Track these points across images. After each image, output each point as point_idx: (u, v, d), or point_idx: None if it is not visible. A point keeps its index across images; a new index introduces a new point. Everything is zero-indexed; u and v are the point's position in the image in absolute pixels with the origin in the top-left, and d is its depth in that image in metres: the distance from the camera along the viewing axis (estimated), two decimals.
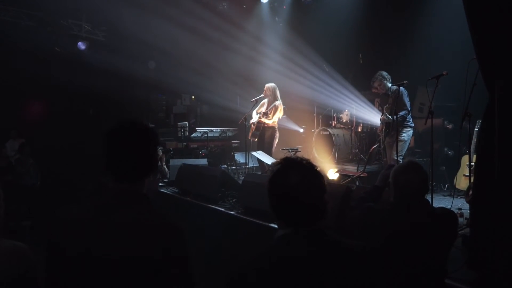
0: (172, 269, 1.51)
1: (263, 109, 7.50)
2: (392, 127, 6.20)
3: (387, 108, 6.40)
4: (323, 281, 1.47)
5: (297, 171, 1.57)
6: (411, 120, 6.33)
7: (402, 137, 6.25)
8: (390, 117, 6.25)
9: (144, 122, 1.77)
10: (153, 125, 11.05)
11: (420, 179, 2.42)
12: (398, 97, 6.18)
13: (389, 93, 6.36)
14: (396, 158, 5.91)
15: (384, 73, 6.39)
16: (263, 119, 7.32)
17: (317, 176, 1.60)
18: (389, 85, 6.37)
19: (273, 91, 7.41)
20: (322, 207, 1.58)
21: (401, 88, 6.22)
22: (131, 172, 1.65)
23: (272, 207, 1.60)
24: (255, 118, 7.54)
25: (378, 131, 6.64)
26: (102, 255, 1.51)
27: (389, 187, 2.52)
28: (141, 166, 1.67)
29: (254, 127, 7.48)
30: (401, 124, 6.20)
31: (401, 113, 6.14)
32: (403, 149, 6.27)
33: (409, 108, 6.31)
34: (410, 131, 6.34)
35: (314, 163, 1.62)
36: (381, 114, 6.53)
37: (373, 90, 6.64)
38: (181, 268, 1.55)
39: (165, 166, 7.13)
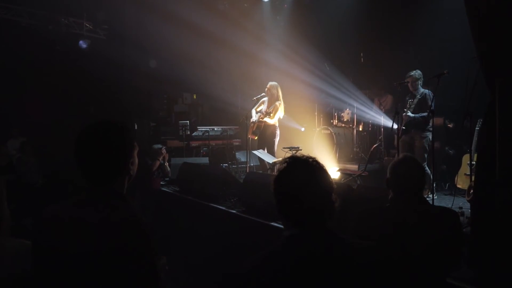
0: (132, 264, 1.52)
1: (263, 108, 7.48)
2: (411, 126, 6.17)
3: (409, 107, 6.35)
4: (332, 282, 1.44)
5: (304, 170, 1.53)
6: (431, 124, 6.17)
7: (426, 138, 6.17)
8: (412, 114, 6.20)
9: (119, 122, 1.75)
10: (154, 124, 11.08)
11: (417, 170, 2.44)
12: (424, 99, 6.16)
13: (416, 93, 6.31)
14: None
15: (420, 73, 6.31)
16: (265, 119, 7.30)
17: (324, 175, 1.55)
18: (420, 86, 6.30)
19: (276, 89, 7.39)
20: (331, 207, 1.53)
21: (429, 91, 6.19)
22: (98, 174, 1.67)
23: (277, 207, 1.55)
24: (254, 116, 7.53)
25: (394, 131, 6.46)
26: (67, 250, 1.56)
27: (387, 184, 2.51)
28: (108, 169, 1.68)
29: (255, 126, 7.46)
30: (420, 126, 6.13)
31: (424, 114, 6.07)
32: (425, 154, 6.16)
33: (433, 113, 6.07)
34: (429, 135, 6.19)
35: (321, 162, 1.58)
36: (403, 111, 6.38)
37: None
38: (140, 263, 1.54)
39: (167, 165, 7.13)
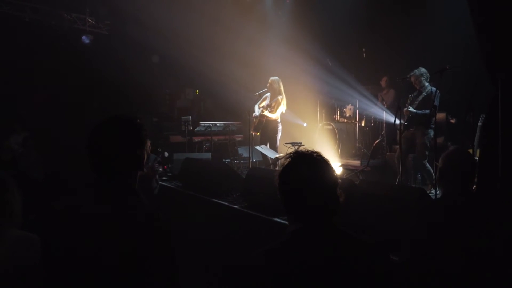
0: (149, 263, 1.51)
1: (265, 103, 7.50)
2: (413, 122, 6.12)
3: (411, 102, 6.30)
4: (336, 276, 1.44)
5: (308, 164, 1.53)
6: (433, 121, 6.09)
7: (428, 134, 6.12)
8: (412, 109, 6.15)
9: (133, 118, 1.75)
10: (156, 119, 11.09)
11: (474, 160, 2.46)
12: (429, 96, 6.07)
13: (423, 90, 6.25)
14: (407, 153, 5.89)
15: (423, 70, 6.22)
16: (267, 114, 7.31)
17: (329, 169, 1.55)
18: (426, 83, 6.21)
19: (277, 84, 7.41)
20: (335, 202, 1.54)
21: (434, 89, 6.09)
22: (113, 170, 1.65)
23: (282, 201, 1.56)
24: (257, 112, 7.54)
25: (397, 128, 6.46)
26: (81, 247, 1.54)
27: (441, 177, 2.47)
28: (124, 165, 1.66)
29: (257, 121, 7.47)
30: (423, 123, 6.07)
31: (426, 111, 6.00)
32: (426, 151, 6.13)
33: (436, 110, 6.02)
34: (431, 132, 6.13)
35: (324, 156, 1.58)
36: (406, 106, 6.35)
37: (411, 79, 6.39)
38: (159, 262, 1.53)
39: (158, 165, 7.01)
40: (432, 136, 6.12)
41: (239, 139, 10.19)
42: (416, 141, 6.17)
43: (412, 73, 6.27)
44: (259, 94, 7.64)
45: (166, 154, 6.95)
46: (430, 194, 5.49)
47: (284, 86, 7.49)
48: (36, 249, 1.88)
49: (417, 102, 6.21)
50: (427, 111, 6.00)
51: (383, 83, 9.17)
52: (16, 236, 1.93)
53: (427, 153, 6.13)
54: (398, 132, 6.28)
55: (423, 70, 6.25)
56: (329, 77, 9.36)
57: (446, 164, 2.43)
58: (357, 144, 8.93)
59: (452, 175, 2.39)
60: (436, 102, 5.99)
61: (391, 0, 8.63)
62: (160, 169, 7.07)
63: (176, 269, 1.57)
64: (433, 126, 6.07)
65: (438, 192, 5.75)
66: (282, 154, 6.60)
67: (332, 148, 8.63)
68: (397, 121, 6.10)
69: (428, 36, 7.94)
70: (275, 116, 7.33)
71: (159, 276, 1.52)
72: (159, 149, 6.86)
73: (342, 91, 9.18)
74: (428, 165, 6.05)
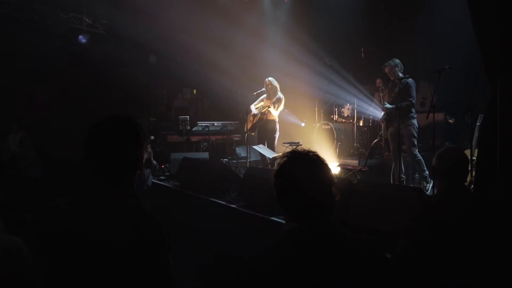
0: (143, 266, 1.51)
1: (262, 104, 7.54)
2: (394, 117, 6.14)
3: (388, 97, 6.35)
4: (333, 276, 1.44)
5: (304, 163, 1.54)
6: (414, 111, 6.22)
7: (412, 124, 6.15)
8: (389, 105, 6.21)
9: (131, 117, 1.72)
10: (153, 119, 11.08)
11: (464, 157, 2.47)
12: (405, 88, 6.12)
13: (398, 83, 6.28)
14: (399, 150, 5.92)
15: (397, 61, 6.28)
16: (271, 110, 7.34)
17: (325, 168, 1.56)
18: (400, 74, 6.26)
19: (275, 83, 7.46)
20: (330, 200, 1.55)
21: (410, 80, 6.16)
22: (111, 172, 1.64)
23: (278, 201, 1.57)
24: (254, 111, 7.57)
25: (380, 122, 6.55)
26: (77, 248, 1.53)
27: (433, 175, 2.51)
28: (123, 166, 1.65)
29: (256, 118, 7.49)
30: (404, 115, 6.08)
31: (403, 104, 6.06)
32: (413, 140, 6.17)
33: (413, 101, 6.15)
34: (415, 122, 6.18)
35: (321, 156, 1.59)
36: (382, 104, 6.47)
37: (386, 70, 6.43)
38: (153, 261, 1.53)
39: (154, 161, 7.03)
40: (416, 125, 6.19)
41: (237, 138, 10.19)
42: (403, 134, 6.14)
43: (386, 64, 6.31)
44: (257, 94, 7.67)
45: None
46: (425, 191, 5.52)
47: (282, 86, 7.55)
48: (21, 254, 1.84)
49: (393, 94, 6.25)
50: (403, 104, 6.05)
51: (377, 84, 9.20)
52: (2, 242, 1.89)
53: (415, 142, 6.18)
54: (383, 128, 6.35)
55: (397, 61, 6.32)
56: (327, 77, 9.37)
57: (437, 162, 2.48)
58: (355, 144, 8.94)
59: (443, 173, 2.44)
60: (413, 93, 6.06)
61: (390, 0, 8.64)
62: (155, 162, 7.07)
63: (169, 273, 1.57)
64: (415, 116, 6.17)
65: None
66: (280, 154, 6.61)
67: (330, 148, 8.63)
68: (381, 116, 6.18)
69: (427, 37, 7.95)
70: (277, 113, 7.41)
71: (153, 278, 1.52)
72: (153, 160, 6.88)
73: (340, 91, 9.19)
74: (418, 154, 6.13)
